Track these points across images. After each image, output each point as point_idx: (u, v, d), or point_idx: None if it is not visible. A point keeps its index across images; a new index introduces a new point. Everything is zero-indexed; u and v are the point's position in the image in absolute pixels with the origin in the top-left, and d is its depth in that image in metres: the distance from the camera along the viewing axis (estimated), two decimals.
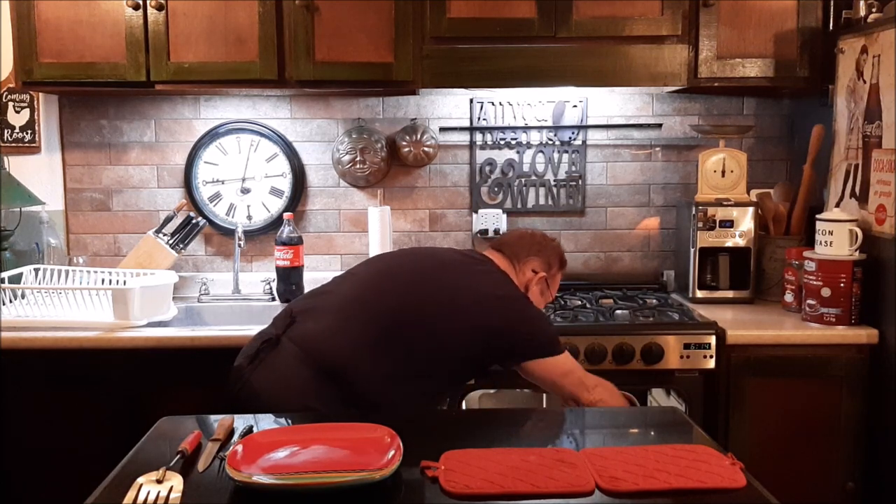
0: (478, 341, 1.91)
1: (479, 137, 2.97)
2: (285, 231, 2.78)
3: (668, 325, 2.41)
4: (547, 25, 2.53)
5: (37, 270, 2.63)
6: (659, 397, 2.55)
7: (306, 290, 2.20)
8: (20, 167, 2.86)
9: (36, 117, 2.87)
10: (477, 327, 1.91)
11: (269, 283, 2.87)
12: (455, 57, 2.55)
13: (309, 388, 1.80)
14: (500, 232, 2.94)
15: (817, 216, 2.44)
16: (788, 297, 2.58)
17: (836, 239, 2.36)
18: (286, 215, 2.82)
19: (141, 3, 2.50)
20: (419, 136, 2.90)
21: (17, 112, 2.86)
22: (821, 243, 2.40)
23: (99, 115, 2.94)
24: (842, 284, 2.34)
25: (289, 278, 2.76)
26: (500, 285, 2.02)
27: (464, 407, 2.38)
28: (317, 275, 2.79)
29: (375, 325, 1.88)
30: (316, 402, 1.76)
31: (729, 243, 2.69)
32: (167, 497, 1.23)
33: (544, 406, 2.48)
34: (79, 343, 2.32)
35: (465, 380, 2.08)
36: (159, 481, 1.27)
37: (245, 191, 2.96)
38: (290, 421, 1.62)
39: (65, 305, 2.44)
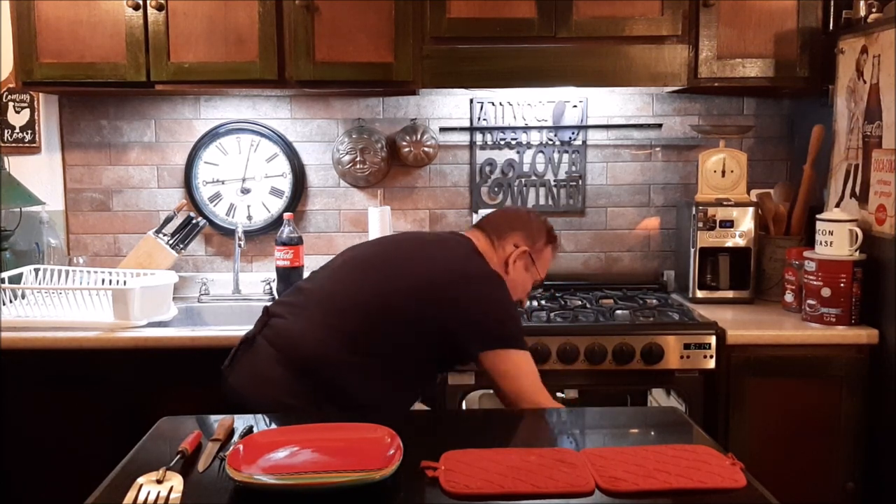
0: (432, 324, 1.83)
1: (479, 137, 2.97)
2: (285, 231, 2.78)
3: (669, 326, 2.40)
4: (547, 25, 2.53)
5: (37, 270, 2.63)
6: (659, 397, 2.55)
7: None
8: (20, 167, 2.86)
9: (36, 117, 2.87)
10: (431, 309, 1.83)
11: (269, 284, 2.87)
12: (455, 57, 2.55)
13: (285, 387, 1.79)
14: None
15: (817, 216, 2.44)
16: (788, 298, 2.58)
17: (836, 239, 2.36)
18: (286, 215, 2.82)
19: (141, 3, 2.50)
20: (419, 137, 2.90)
21: (18, 112, 2.86)
22: (821, 243, 2.40)
23: (99, 116, 2.94)
24: (842, 284, 2.34)
25: (289, 278, 2.76)
26: (462, 262, 1.92)
27: (464, 407, 2.38)
28: None
29: (341, 319, 1.85)
30: (293, 401, 1.76)
31: (729, 243, 2.69)
32: (167, 497, 1.23)
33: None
34: (79, 343, 2.32)
35: (433, 372, 2.00)
36: (159, 481, 1.27)
37: (245, 191, 2.96)
38: (289, 422, 1.62)
39: (65, 305, 2.44)
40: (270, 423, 1.60)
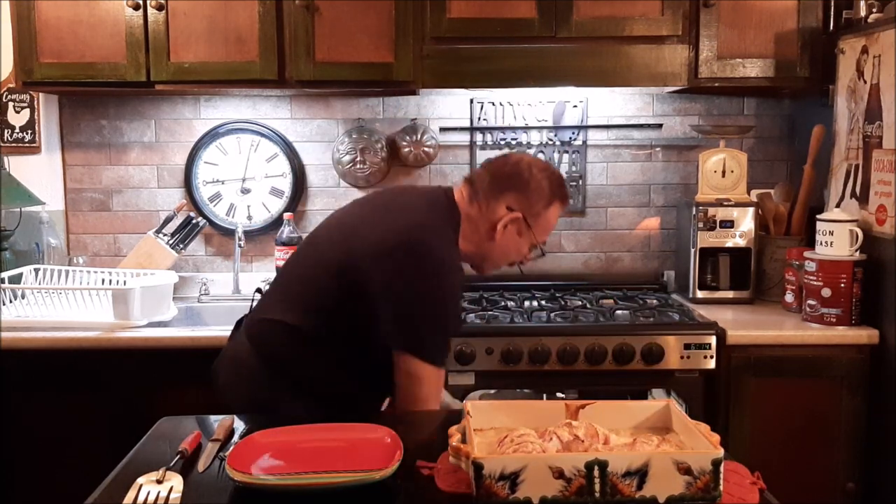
0: (358, 301, 1.68)
1: (479, 137, 2.97)
2: (285, 231, 2.78)
3: (669, 326, 2.40)
4: (547, 25, 2.53)
5: (37, 270, 2.63)
6: (659, 398, 2.55)
7: None
8: (20, 167, 2.85)
9: (36, 117, 2.87)
10: (360, 287, 1.67)
11: (269, 284, 2.86)
12: (455, 57, 2.55)
13: (256, 375, 1.77)
14: None
15: (818, 216, 2.44)
16: (789, 298, 2.57)
17: (836, 239, 2.36)
18: (286, 215, 2.82)
19: (141, 2, 2.50)
20: (419, 137, 2.90)
21: (18, 112, 2.86)
22: (821, 243, 2.40)
23: (99, 116, 2.94)
24: (842, 285, 2.34)
25: None
26: (401, 233, 1.67)
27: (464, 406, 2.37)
28: None
29: (292, 296, 1.79)
30: (266, 393, 1.74)
31: (729, 243, 2.69)
32: (167, 497, 1.22)
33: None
34: (79, 343, 2.32)
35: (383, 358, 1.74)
36: (159, 481, 1.27)
37: (245, 191, 2.96)
38: (287, 422, 1.61)
39: (65, 305, 2.44)
40: (268, 424, 1.59)
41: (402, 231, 1.69)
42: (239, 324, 1.96)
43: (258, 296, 2.00)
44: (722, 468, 1.14)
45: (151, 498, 1.22)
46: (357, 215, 1.86)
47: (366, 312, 1.69)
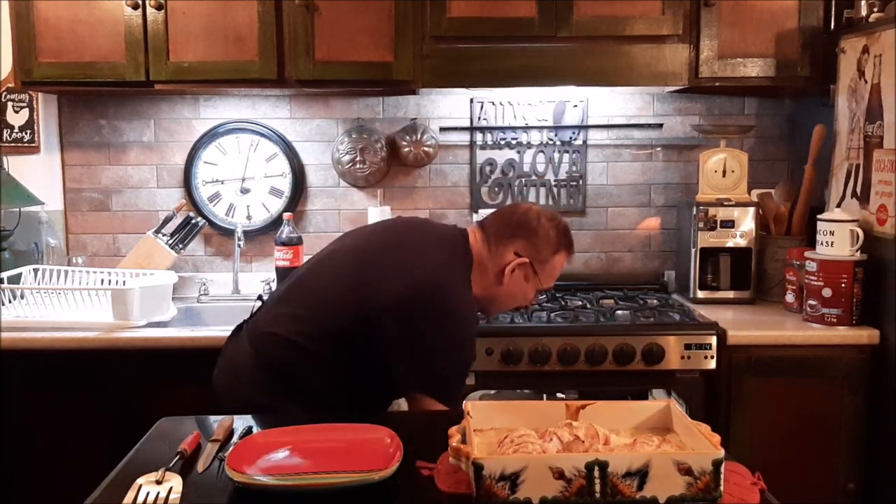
0: (378, 341, 1.73)
1: (479, 137, 2.97)
2: (285, 231, 2.78)
3: (669, 326, 2.40)
4: (547, 25, 2.53)
5: (36, 271, 2.63)
6: (660, 398, 2.54)
7: None
8: (19, 167, 2.85)
9: (35, 117, 2.86)
10: (380, 329, 1.72)
11: (268, 284, 2.86)
12: (455, 56, 2.55)
13: (257, 381, 1.79)
14: None
15: (818, 216, 2.44)
16: (789, 298, 2.57)
17: (837, 239, 2.35)
18: (286, 215, 2.81)
19: (140, 2, 2.50)
20: (419, 136, 2.89)
21: (17, 112, 2.85)
22: (822, 243, 2.39)
23: (98, 115, 2.93)
24: (843, 285, 2.34)
25: None
26: (421, 287, 1.72)
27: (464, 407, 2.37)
28: None
29: (303, 316, 1.81)
30: (266, 397, 1.75)
31: (730, 243, 2.68)
32: (167, 498, 1.22)
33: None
34: (78, 343, 2.31)
35: (381, 379, 1.81)
36: (159, 482, 1.27)
37: (245, 191, 2.95)
38: (287, 422, 1.61)
39: (64, 306, 2.43)
40: (268, 424, 1.59)
41: (421, 285, 1.73)
42: (238, 329, 1.95)
43: (258, 303, 2.01)
44: (722, 468, 1.14)
45: (151, 498, 1.22)
46: (376, 250, 1.87)
47: (378, 347, 1.74)
